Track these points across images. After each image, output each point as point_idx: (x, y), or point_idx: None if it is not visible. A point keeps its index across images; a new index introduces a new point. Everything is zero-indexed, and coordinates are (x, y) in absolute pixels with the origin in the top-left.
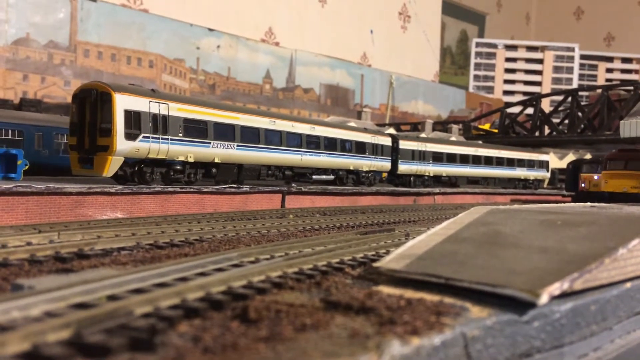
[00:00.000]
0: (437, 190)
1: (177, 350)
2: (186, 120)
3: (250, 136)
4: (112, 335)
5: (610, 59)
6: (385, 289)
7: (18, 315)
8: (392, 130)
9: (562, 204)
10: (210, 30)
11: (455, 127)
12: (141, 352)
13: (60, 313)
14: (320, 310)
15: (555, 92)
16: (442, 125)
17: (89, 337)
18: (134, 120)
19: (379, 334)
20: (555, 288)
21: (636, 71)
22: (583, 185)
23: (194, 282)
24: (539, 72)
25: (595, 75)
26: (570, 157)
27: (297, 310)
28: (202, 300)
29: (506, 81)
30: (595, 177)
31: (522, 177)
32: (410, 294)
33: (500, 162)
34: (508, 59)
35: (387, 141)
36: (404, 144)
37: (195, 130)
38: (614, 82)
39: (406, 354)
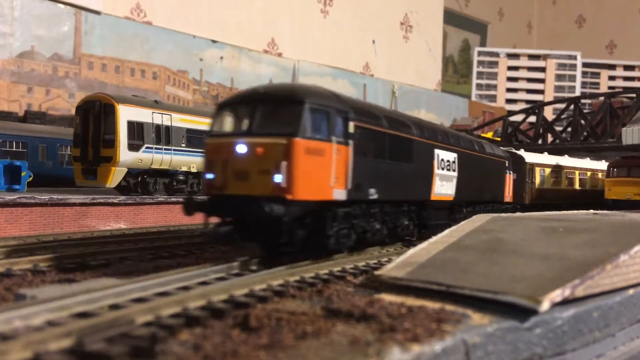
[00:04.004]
0: None
1: (178, 358)
2: (189, 130)
3: None
4: (113, 344)
5: (612, 67)
6: (387, 297)
7: (20, 325)
8: None
9: (566, 212)
10: (214, 41)
11: None
12: None
13: (62, 322)
14: (321, 318)
15: (557, 100)
16: None
17: (90, 345)
18: (136, 131)
19: (379, 341)
20: (557, 295)
21: (639, 78)
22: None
23: (195, 291)
24: (542, 81)
25: (598, 83)
26: None
27: (298, 318)
28: (204, 308)
29: (508, 89)
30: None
31: None
32: (411, 301)
33: None
34: (510, 68)
35: None
36: None
37: (198, 140)
38: (617, 90)
39: None
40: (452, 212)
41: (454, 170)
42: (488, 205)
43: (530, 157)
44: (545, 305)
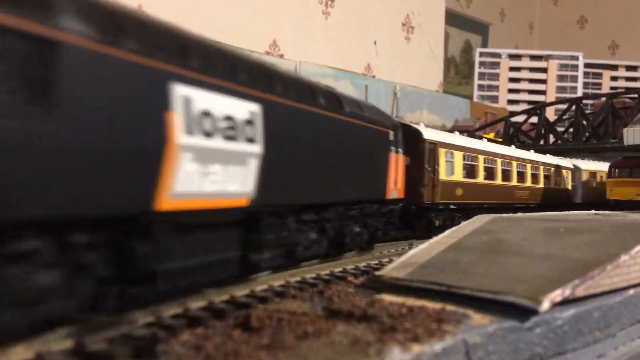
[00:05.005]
0: None
1: (179, 359)
2: None
3: None
4: (114, 344)
5: (614, 67)
6: (388, 297)
7: None
8: None
9: (566, 212)
10: None
11: None
12: None
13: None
14: (322, 319)
15: (559, 101)
16: None
17: (92, 346)
18: None
19: (380, 341)
20: (557, 295)
21: None
22: None
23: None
24: (543, 81)
25: (600, 84)
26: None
27: (299, 318)
28: (205, 309)
29: (510, 90)
30: None
31: None
32: (412, 301)
33: None
34: (512, 68)
35: None
36: None
37: None
38: (619, 90)
39: None
40: (256, 229)
41: (250, 141)
42: (354, 208)
43: (431, 133)
44: (545, 305)
